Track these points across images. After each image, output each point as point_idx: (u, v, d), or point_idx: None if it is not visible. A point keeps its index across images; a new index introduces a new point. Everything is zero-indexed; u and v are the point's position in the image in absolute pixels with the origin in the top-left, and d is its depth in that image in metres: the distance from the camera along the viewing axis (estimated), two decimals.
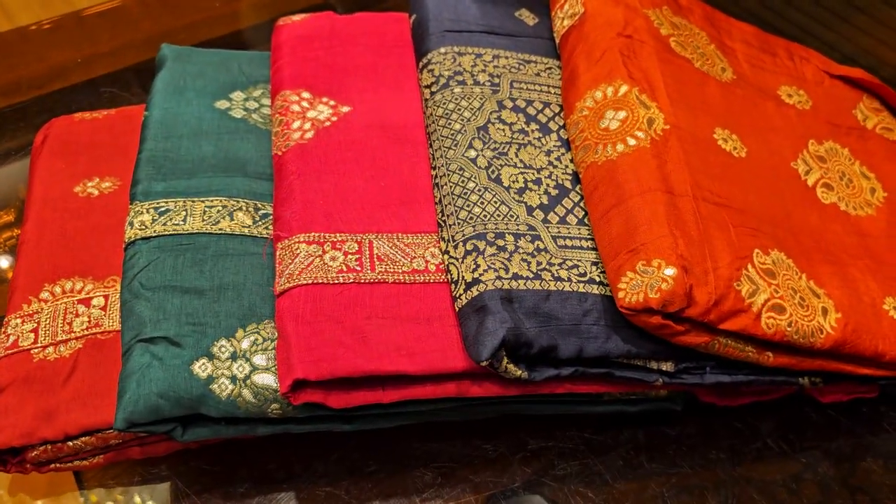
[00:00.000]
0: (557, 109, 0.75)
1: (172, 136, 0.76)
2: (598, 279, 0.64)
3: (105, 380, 0.64)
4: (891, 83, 0.93)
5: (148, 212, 0.69)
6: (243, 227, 0.70)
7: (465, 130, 0.70)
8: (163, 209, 0.69)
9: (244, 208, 0.71)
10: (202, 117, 0.78)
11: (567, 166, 0.70)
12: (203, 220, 0.69)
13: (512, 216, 0.65)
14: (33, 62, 0.98)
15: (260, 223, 0.71)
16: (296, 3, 1.14)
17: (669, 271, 0.58)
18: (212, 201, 0.71)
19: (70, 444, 0.64)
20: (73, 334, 0.68)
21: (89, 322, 0.68)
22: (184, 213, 0.70)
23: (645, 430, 0.72)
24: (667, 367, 0.64)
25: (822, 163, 0.81)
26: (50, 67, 0.98)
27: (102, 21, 1.03)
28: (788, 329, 0.63)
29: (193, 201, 0.71)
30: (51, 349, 0.67)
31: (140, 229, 0.67)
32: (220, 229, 0.69)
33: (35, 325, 0.69)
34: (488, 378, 0.63)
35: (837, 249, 0.74)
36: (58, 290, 0.71)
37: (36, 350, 0.67)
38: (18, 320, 0.69)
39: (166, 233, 0.67)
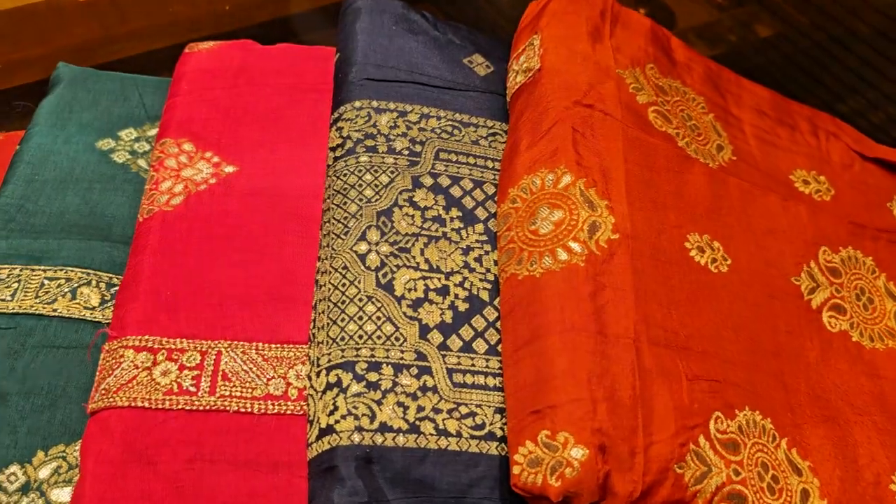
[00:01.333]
0: (492, 191, 0.59)
1: (36, 181, 0.64)
2: (500, 433, 0.49)
3: None
4: None
5: None
6: (85, 307, 0.57)
7: (361, 215, 0.55)
8: None
9: (94, 283, 0.58)
10: (76, 159, 0.66)
11: (488, 271, 0.55)
12: (37, 297, 0.57)
13: (397, 339, 0.50)
14: None
15: (109, 304, 0.57)
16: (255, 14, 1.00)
17: (577, 452, 0.43)
18: (55, 272, 0.58)
19: None
20: None
21: None
22: (16, 284, 0.57)
23: None
24: None
25: (834, 277, 0.64)
26: None
27: (34, 21, 0.91)
28: None
29: (33, 269, 0.58)
30: None
31: None
32: (55, 310, 0.56)
33: None
34: None
35: (839, 398, 0.58)
36: None
37: None
38: None
39: None
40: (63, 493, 0.49)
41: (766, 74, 0.81)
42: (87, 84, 0.72)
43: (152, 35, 0.99)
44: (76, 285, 0.58)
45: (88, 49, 0.94)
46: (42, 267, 0.58)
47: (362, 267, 0.53)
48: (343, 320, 0.51)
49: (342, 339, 0.50)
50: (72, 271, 0.59)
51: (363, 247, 0.54)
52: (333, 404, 0.47)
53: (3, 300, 0.56)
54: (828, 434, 0.55)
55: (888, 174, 0.76)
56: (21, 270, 0.58)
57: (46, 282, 0.58)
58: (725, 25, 1.01)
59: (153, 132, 0.70)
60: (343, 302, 0.51)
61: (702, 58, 0.72)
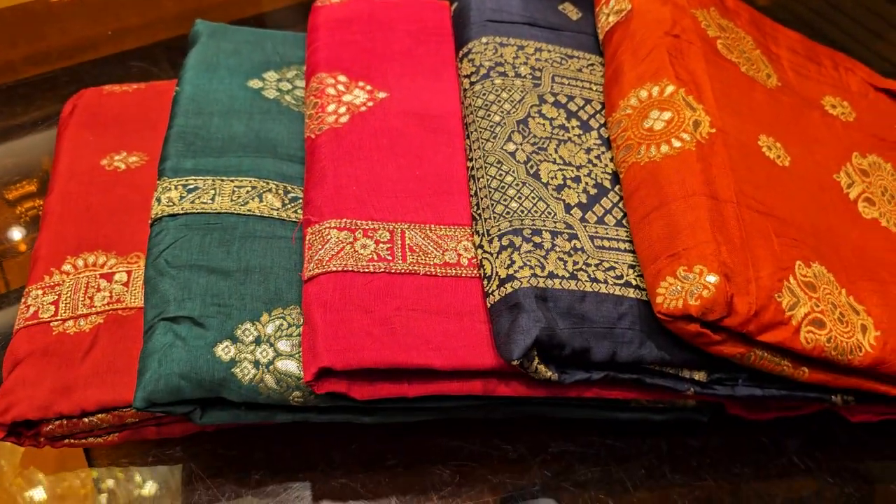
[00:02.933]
0: (598, 107, 0.73)
1: (203, 113, 0.74)
2: (634, 283, 0.62)
3: (124, 357, 0.63)
4: None
5: (176, 188, 0.67)
6: (272, 209, 0.69)
7: (504, 123, 0.68)
8: (191, 187, 0.68)
9: (274, 190, 0.70)
10: (234, 96, 0.77)
11: (607, 165, 0.69)
12: (231, 200, 0.68)
13: (549, 213, 0.64)
14: (61, 33, 0.96)
15: (289, 206, 0.69)
16: None
17: (711, 278, 0.57)
18: (241, 181, 0.70)
19: (86, 420, 0.62)
20: (93, 309, 0.66)
21: (111, 297, 0.67)
22: (212, 191, 0.68)
23: (668, 440, 0.70)
24: (699, 376, 0.63)
25: (864, 177, 0.79)
26: (78, 39, 0.97)
27: None
28: (827, 345, 0.61)
29: (223, 180, 0.69)
30: (71, 323, 0.66)
31: (167, 206, 0.66)
32: (249, 210, 0.68)
33: (56, 297, 0.67)
34: (516, 377, 0.61)
35: (878, 266, 0.72)
36: (80, 262, 0.70)
37: (56, 323, 0.66)
38: (39, 291, 0.68)
39: (194, 211, 0.66)
40: (285, 344, 0.61)
41: (797, 21, 0.96)
42: (226, 36, 0.83)
43: (239, 4, 1.11)
44: (261, 191, 0.69)
45: (183, 18, 1.06)
46: (230, 178, 0.70)
47: (514, 161, 0.66)
48: (506, 200, 0.64)
49: (507, 213, 0.63)
50: (254, 181, 0.70)
51: (511, 146, 0.67)
52: (510, 259, 0.60)
53: (206, 203, 0.67)
54: (874, 289, 0.69)
55: (894, 102, 0.91)
56: (213, 181, 0.69)
57: (236, 189, 0.69)
58: None
59: (291, 74, 0.81)
60: (503, 187, 0.64)
61: (746, 5, 0.87)
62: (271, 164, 0.72)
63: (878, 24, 1.08)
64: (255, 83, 0.79)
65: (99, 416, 0.62)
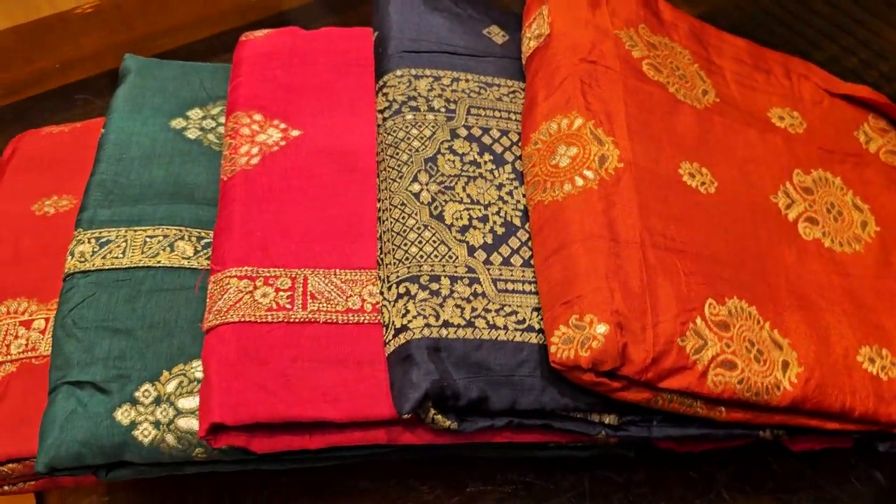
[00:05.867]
0: (516, 138, 0.71)
1: (125, 159, 0.75)
2: (537, 327, 0.61)
3: (35, 407, 0.63)
4: None
5: (89, 241, 0.68)
6: (183, 258, 0.69)
7: (411, 162, 0.67)
8: (104, 240, 0.68)
9: (186, 237, 0.70)
10: (156, 138, 0.77)
11: (519, 201, 0.67)
12: (143, 252, 0.68)
13: (450, 257, 0.62)
14: (7, 69, 0.98)
15: (202, 253, 0.69)
16: (281, 4, 1.11)
17: (601, 328, 0.55)
18: (154, 230, 0.70)
19: None
20: (9, 357, 0.67)
21: (26, 345, 0.68)
22: (124, 244, 0.68)
23: (590, 476, 0.69)
24: (610, 419, 0.61)
25: (807, 195, 0.75)
26: (28, 73, 0.98)
27: (77, 27, 1.02)
28: (738, 386, 0.59)
29: (136, 230, 0.69)
30: None
31: (80, 261, 0.67)
32: (159, 262, 0.68)
33: None
34: (421, 425, 0.60)
35: (813, 292, 0.69)
36: (3, 309, 0.71)
37: None
38: None
39: (105, 267, 0.66)
40: (187, 402, 0.60)
41: (745, 29, 0.92)
42: (153, 72, 0.83)
43: (190, 28, 1.11)
44: (173, 240, 0.69)
45: (134, 45, 1.06)
46: (142, 227, 0.70)
47: (417, 203, 0.65)
48: (406, 244, 0.63)
49: (406, 258, 0.62)
50: (167, 229, 0.70)
51: (416, 187, 0.66)
52: (405, 308, 0.60)
53: (116, 258, 0.68)
54: (803, 318, 0.67)
55: (853, 107, 0.87)
56: (126, 232, 0.69)
57: (148, 239, 0.69)
58: None
59: (216, 110, 0.81)
60: (404, 231, 0.63)
61: (686, 16, 0.83)
62: (186, 210, 0.71)
63: (844, 20, 1.03)
64: (177, 123, 0.79)
65: (9, 465, 0.63)
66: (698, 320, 0.59)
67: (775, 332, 0.64)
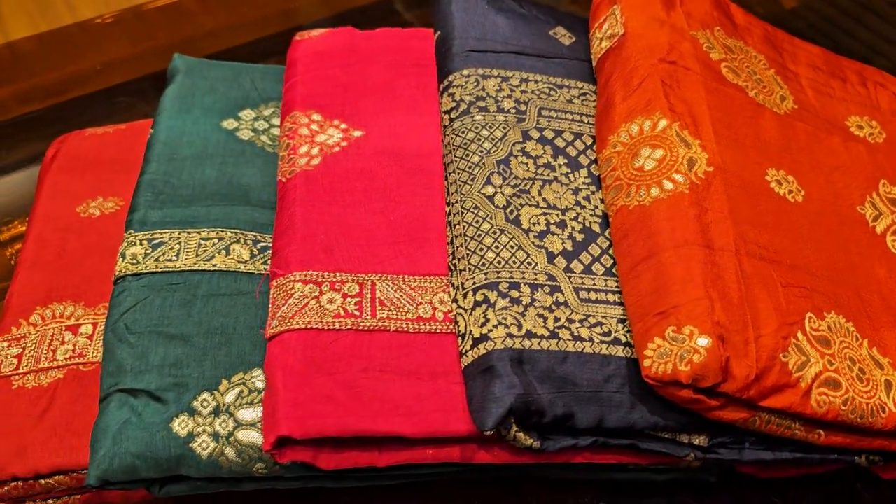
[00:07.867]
0: (590, 141, 0.67)
1: (175, 159, 0.72)
2: (624, 339, 0.57)
3: (82, 417, 0.60)
4: None
5: (141, 243, 0.64)
6: (239, 262, 0.65)
7: (483, 163, 0.63)
8: (156, 242, 0.65)
9: (242, 241, 0.66)
10: (207, 138, 0.74)
11: (597, 207, 0.63)
12: (197, 255, 0.65)
13: (530, 264, 0.58)
14: (50, 70, 0.95)
15: (258, 257, 0.65)
16: (323, 9, 1.09)
17: (703, 341, 0.51)
18: (208, 233, 0.66)
19: (42, 482, 0.60)
20: (55, 363, 0.64)
21: (73, 351, 0.65)
22: (177, 246, 0.65)
23: (670, 501, 0.64)
24: (700, 440, 0.57)
25: (893, 206, 0.71)
26: (68, 75, 0.95)
27: (119, 29, 1.00)
28: (843, 408, 0.55)
29: (189, 232, 0.66)
30: (31, 376, 0.64)
31: (131, 263, 0.63)
32: (214, 265, 0.64)
33: (20, 350, 0.65)
34: (497, 443, 0.56)
35: None
36: (48, 314, 0.67)
37: (16, 377, 0.64)
38: (5, 343, 0.66)
39: (157, 270, 0.63)
40: (246, 413, 0.57)
41: (818, 35, 0.88)
42: (203, 72, 0.81)
43: (234, 32, 1.08)
44: (228, 243, 0.66)
45: (181, 46, 1.03)
46: (196, 230, 0.66)
47: (492, 206, 0.61)
48: (482, 249, 0.59)
49: (483, 264, 0.58)
50: (222, 231, 0.67)
51: (490, 189, 0.62)
52: (484, 317, 0.55)
53: (170, 260, 0.64)
54: None
55: None
56: (179, 234, 0.66)
57: (203, 242, 0.66)
58: None
59: (268, 112, 0.78)
60: (479, 235, 0.59)
61: (759, 20, 0.80)
62: (242, 212, 0.68)
63: None
64: (229, 123, 0.76)
65: (55, 478, 0.59)
66: (799, 335, 0.55)
67: (874, 351, 0.60)
